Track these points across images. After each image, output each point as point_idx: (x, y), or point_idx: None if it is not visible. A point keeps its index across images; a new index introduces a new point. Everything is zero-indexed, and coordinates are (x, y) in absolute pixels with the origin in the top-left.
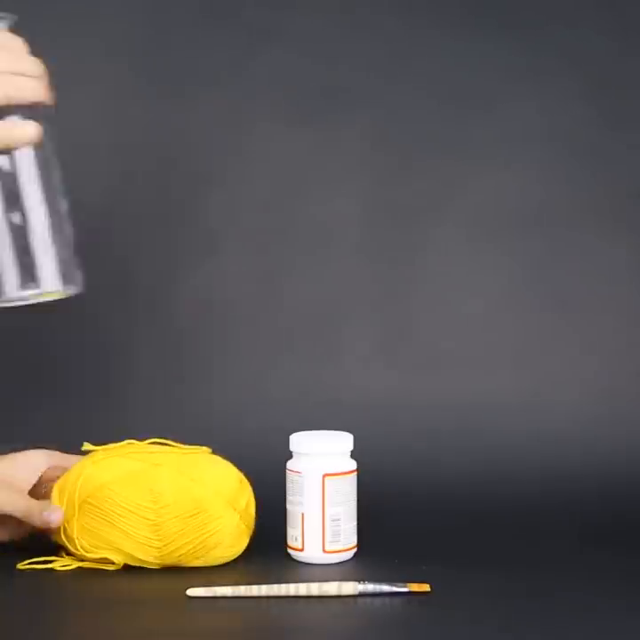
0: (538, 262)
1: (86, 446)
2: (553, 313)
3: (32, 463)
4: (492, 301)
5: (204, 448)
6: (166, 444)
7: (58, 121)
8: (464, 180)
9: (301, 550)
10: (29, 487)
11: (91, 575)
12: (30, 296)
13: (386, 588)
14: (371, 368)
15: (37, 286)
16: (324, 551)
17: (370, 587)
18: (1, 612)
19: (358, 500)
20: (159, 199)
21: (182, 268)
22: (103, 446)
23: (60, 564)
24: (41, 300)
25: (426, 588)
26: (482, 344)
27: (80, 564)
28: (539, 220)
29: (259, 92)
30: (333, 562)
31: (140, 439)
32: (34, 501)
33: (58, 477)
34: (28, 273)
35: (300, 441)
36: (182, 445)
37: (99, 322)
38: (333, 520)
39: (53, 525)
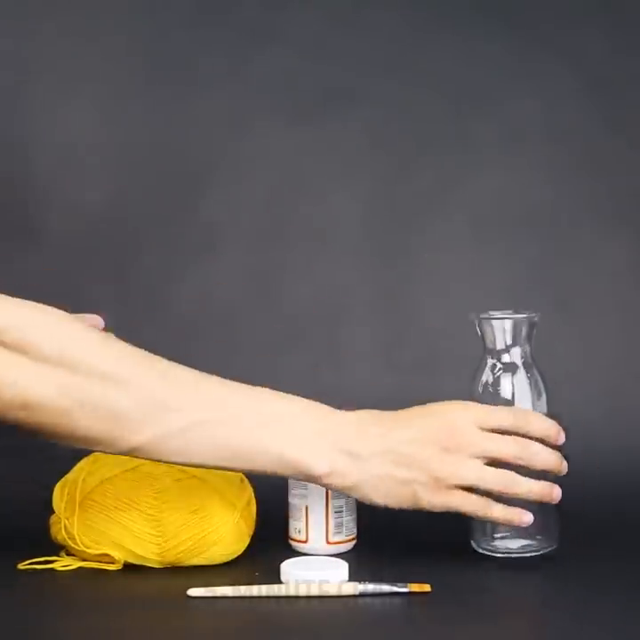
0: (538, 262)
1: None
2: (554, 312)
3: None
4: (493, 301)
5: None
6: None
7: (57, 121)
8: (464, 180)
9: (305, 542)
10: None
11: (91, 575)
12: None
13: (386, 587)
14: (371, 368)
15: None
16: (328, 543)
17: (370, 587)
18: (1, 612)
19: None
20: (159, 198)
21: (181, 267)
22: None
23: (61, 564)
24: (524, 554)
25: (426, 588)
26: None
27: (81, 563)
28: (539, 220)
29: (258, 91)
30: (336, 552)
31: None
32: None
33: None
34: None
35: None
36: None
37: None
38: (336, 512)
39: None
